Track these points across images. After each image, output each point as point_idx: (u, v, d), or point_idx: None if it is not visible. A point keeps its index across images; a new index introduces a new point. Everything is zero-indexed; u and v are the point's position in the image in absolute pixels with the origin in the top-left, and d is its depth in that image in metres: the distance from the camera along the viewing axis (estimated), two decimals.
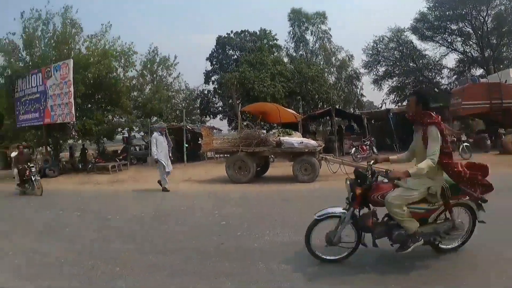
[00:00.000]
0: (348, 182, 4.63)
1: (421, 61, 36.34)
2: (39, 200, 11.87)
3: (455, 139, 16.08)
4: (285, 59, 36.35)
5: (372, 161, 4.83)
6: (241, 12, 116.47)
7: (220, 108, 37.29)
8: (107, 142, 27.77)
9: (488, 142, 18.04)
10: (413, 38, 36.06)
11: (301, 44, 37.68)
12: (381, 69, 37.95)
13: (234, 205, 8.95)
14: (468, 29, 33.55)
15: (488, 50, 33.69)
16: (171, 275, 4.69)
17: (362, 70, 38.25)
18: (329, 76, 36.81)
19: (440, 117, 4.43)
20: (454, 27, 34.10)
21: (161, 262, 5.15)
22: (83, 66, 19.33)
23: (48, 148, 21.57)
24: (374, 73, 38.04)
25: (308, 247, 4.70)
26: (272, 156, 15.31)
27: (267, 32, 36.89)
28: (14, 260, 5.60)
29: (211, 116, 37.43)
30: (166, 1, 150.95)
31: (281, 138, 13.00)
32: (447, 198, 4.40)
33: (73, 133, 22.09)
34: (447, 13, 32.95)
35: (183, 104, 33.39)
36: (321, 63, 36.95)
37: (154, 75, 29.84)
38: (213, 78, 37.28)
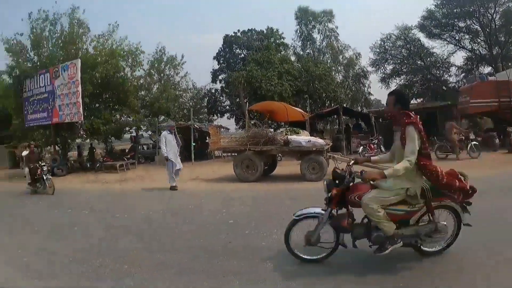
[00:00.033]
0: (325, 183, 4.66)
1: (428, 59, 36.00)
2: (47, 199, 11.92)
3: (464, 137, 15.98)
4: (292, 58, 36.22)
5: (352, 162, 4.79)
6: (241, 12, 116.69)
7: (227, 107, 37.26)
8: (115, 141, 27.80)
9: (497, 140, 17.88)
10: (421, 36, 35.78)
11: (308, 42, 37.59)
12: (389, 67, 37.70)
13: (242, 204, 8.94)
14: (476, 26, 33.20)
15: (496, 48, 33.35)
16: (178, 273, 4.70)
17: (369, 68, 38.09)
18: (337, 74, 36.67)
19: (418, 117, 4.36)
20: (462, 24, 33.74)
21: (169, 261, 5.16)
22: (91, 66, 19.40)
23: (57, 147, 21.67)
24: (382, 71, 37.79)
25: (288, 247, 4.76)
26: (280, 154, 15.27)
27: (274, 30, 36.78)
28: (23, 258, 5.63)
29: (219, 115, 37.39)
30: (166, 1, 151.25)
31: (289, 136, 12.97)
32: (428, 200, 4.33)
33: (81, 133, 22.15)
34: (455, 10, 32.64)
35: (191, 103, 33.39)
36: (329, 61, 36.83)
37: (162, 74, 29.93)
38: (220, 77, 37.29)
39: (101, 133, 20.69)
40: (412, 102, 34.07)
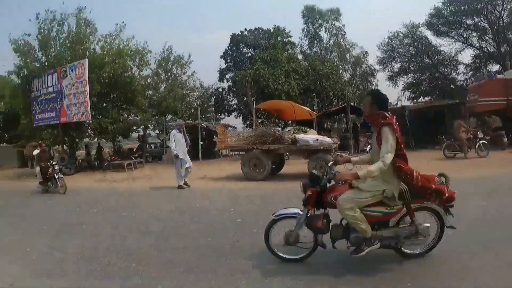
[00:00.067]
0: (301, 183, 4.72)
1: (436, 57, 35.70)
2: (56, 197, 11.97)
3: (472, 136, 15.88)
4: (299, 56, 36.15)
5: (331, 162, 4.85)
6: (241, 12, 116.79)
7: (234, 106, 37.18)
8: (123, 140, 27.89)
9: (505, 139, 17.77)
10: (428, 34, 35.48)
11: (315, 41, 37.54)
12: (396, 66, 37.43)
13: (250, 203, 8.93)
14: (484, 24, 32.88)
15: (504, 45, 33.00)
16: (186, 272, 4.70)
17: (377, 67, 37.95)
18: (344, 73, 36.59)
19: (394, 117, 4.33)
20: (469, 22, 33.42)
21: (177, 259, 5.17)
22: (98, 66, 19.48)
23: (65, 147, 21.80)
24: (389, 69, 37.57)
25: (268, 245, 4.83)
26: (287, 153, 15.26)
27: (280, 29, 36.70)
28: (31, 257, 5.66)
29: (226, 113, 37.39)
30: (166, 1, 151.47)
31: (296, 135, 12.96)
32: (406, 202, 4.29)
33: (89, 132, 22.24)
34: (462, 8, 32.34)
35: (198, 102, 33.47)
36: (336, 60, 36.79)
37: (169, 74, 29.99)
38: (227, 76, 37.26)
39: (109, 132, 20.75)
40: (419, 100, 33.97)
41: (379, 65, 37.59)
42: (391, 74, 37.43)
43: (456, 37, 34.61)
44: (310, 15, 37.05)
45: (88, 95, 18.09)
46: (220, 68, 37.53)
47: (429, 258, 4.57)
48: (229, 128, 26.36)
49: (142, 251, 5.59)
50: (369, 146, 18.30)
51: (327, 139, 13.09)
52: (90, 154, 25.19)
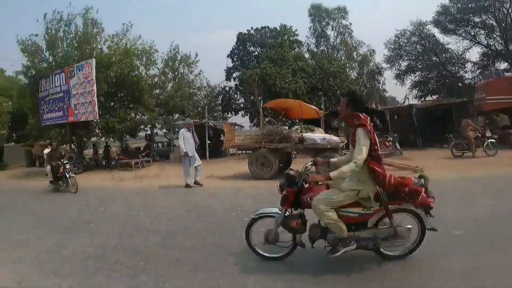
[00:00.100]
0: (278, 183, 4.77)
1: (444, 55, 35.42)
2: (63, 196, 12.04)
3: (480, 135, 15.76)
4: (306, 55, 36.05)
5: (310, 163, 4.85)
6: (241, 12, 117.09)
7: (241, 105, 37.17)
8: (130, 139, 28.03)
9: None
10: (435, 32, 35.16)
11: (322, 39, 37.42)
12: (404, 64, 37.17)
13: (257, 202, 8.88)
14: (492, 21, 32.52)
15: None
16: (194, 271, 4.71)
17: (384, 65, 37.65)
18: (351, 71, 36.40)
19: (369, 118, 4.33)
20: (477, 19, 33.07)
21: (184, 258, 5.18)
22: (106, 65, 19.61)
23: (72, 146, 21.92)
24: (397, 67, 37.33)
25: (248, 244, 4.96)
26: (295, 152, 15.23)
27: (287, 28, 36.61)
28: (40, 255, 5.69)
29: (233, 112, 37.39)
30: (166, 1, 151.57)
31: (304, 134, 12.94)
32: (384, 203, 4.27)
33: (97, 131, 22.36)
34: (470, 5, 32.03)
35: (205, 101, 33.51)
36: (343, 58, 36.61)
37: (176, 73, 30.04)
38: (234, 75, 37.22)
39: (116, 131, 20.87)
40: (427, 98, 33.75)
41: (386, 63, 37.41)
42: (398, 72, 37.23)
43: (463, 34, 34.30)
44: (317, 13, 36.90)
45: (96, 95, 18.20)
46: (227, 67, 37.54)
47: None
48: (236, 127, 26.36)
49: (149, 250, 5.61)
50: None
51: (335, 138, 13.06)
52: (98, 153, 25.35)
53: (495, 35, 33.37)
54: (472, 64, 35.43)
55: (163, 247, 5.72)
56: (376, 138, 4.26)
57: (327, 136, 13.21)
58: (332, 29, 37.51)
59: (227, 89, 37.33)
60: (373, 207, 4.30)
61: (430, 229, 4.41)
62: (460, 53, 35.12)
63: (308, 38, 38.07)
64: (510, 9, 31.00)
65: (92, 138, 24.62)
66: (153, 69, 24.29)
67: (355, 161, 4.06)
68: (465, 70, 36.13)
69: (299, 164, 15.00)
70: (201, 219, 7.51)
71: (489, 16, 32.29)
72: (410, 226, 4.44)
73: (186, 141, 12.03)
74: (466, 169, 12.55)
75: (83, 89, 18.57)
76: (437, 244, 4.85)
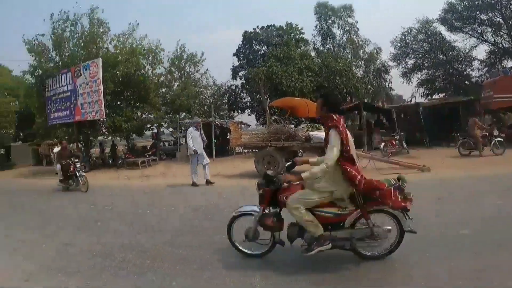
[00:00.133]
0: (256, 183, 4.88)
1: (450, 53, 35.08)
2: (71, 195, 12.10)
3: (487, 134, 15.67)
4: (312, 53, 35.94)
5: (288, 163, 5.01)
6: (241, 12, 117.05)
7: (248, 103, 37.01)
8: (137, 138, 28.10)
9: None
10: (442, 29, 34.77)
11: (328, 37, 37.29)
12: (410, 62, 36.81)
13: None
14: (499, 18, 32.14)
15: None
16: (200, 269, 4.72)
17: (390, 63, 37.38)
18: (357, 69, 36.20)
19: (342, 119, 4.35)
20: (484, 17, 32.70)
21: (191, 256, 5.20)
22: (112, 65, 19.69)
23: (79, 145, 22.00)
24: (403, 66, 36.98)
25: (230, 241, 5.08)
26: (301, 150, 15.22)
27: (293, 26, 36.51)
28: (47, 253, 5.73)
29: (239, 111, 37.19)
30: (166, 1, 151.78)
31: (310, 132, 12.96)
32: (359, 204, 4.29)
33: (103, 130, 22.47)
34: (476, 2, 31.72)
35: (211, 100, 33.52)
36: (349, 56, 36.45)
37: (182, 72, 30.06)
38: (240, 74, 37.13)
39: (122, 130, 20.93)
40: (434, 97, 33.57)
41: (393, 62, 37.08)
42: (405, 70, 36.94)
43: (470, 32, 33.98)
44: (323, 11, 36.79)
45: (102, 94, 18.26)
46: (233, 66, 37.44)
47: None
48: (243, 125, 26.37)
49: (156, 248, 5.63)
50: (383, 143, 18.21)
51: None
52: (105, 152, 25.41)
53: (502, 33, 33.06)
54: (479, 62, 35.11)
55: (170, 245, 5.74)
56: (349, 139, 4.30)
57: None
58: (338, 27, 37.36)
59: (234, 87, 37.29)
60: (348, 207, 4.34)
61: (409, 231, 4.41)
62: (467, 51, 34.81)
63: (314, 36, 37.94)
64: None
65: (98, 137, 24.72)
66: (159, 68, 24.38)
67: (325, 161, 4.13)
68: (472, 68, 35.80)
69: None
70: (208, 218, 7.52)
71: (496, 13, 31.99)
72: (390, 228, 4.46)
73: (194, 140, 12.07)
74: (474, 168, 12.49)
75: (90, 89, 18.64)
76: (444, 244, 4.83)
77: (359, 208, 4.32)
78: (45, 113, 21.72)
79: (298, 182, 4.46)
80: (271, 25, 36.73)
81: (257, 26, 36.80)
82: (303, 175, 4.17)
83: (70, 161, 12.81)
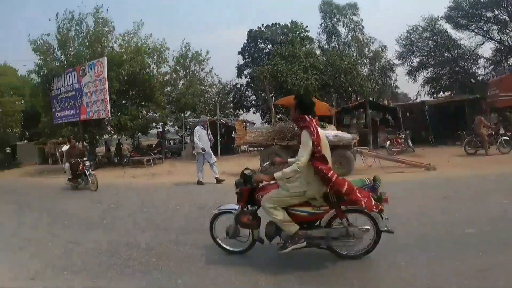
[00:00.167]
0: (234, 182, 5.14)
1: (456, 51, 34.82)
2: (79, 194, 12.15)
3: (493, 132, 15.59)
4: (317, 52, 35.82)
5: (267, 163, 5.28)
6: (241, 12, 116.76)
7: (253, 102, 36.98)
8: (142, 136, 28.22)
9: None
10: (448, 27, 34.52)
11: (333, 36, 37.19)
12: (415, 60, 36.57)
13: None
14: (504, 16, 31.86)
15: None
16: (206, 267, 4.75)
17: (396, 61, 37.18)
18: (362, 67, 36.10)
19: (314, 121, 4.43)
20: (489, 14, 32.44)
21: (196, 254, 5.21)
22: (117, 64, 19.75)
23: (85, 143, 22.07)
24: (408, 64, 36.73)
25: (212, 237, 5.24)
26: None
27: (298, 24, 36.44)
28: (53, 251, 5.76)
29: (244, 109, 37.14)
30: (166, 1, 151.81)
31: None
32: (332, 203, 4.33)
33: (109, 129, 22.56)
34: (482, 0, 31.77)
35: (216, 98, 33.54)
36: (354, 54, 36.32)
37: (187, 70, 30.11)
38: (245, 72, 37.10)
39: (128, 129, 21.01)
40: (439, 95, 33.40)
41: (398, 60, 36.81)
42: (410, 68, 36.70)
43: (476, 30, 33.72)
44: (328, 10, 36.69)
45: (108, 93, 18.30)
46: (238, 64, 37.39)
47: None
48: (248, 124, 26.38)
49: (162, 246, 5.66)
50: (389, 142, 18.16)
51: (346, 135, 13.01)
52: (110, 151, 25.49)
53: (508, 30, 32.79)
54: (485, 60, 34.83)
55: (176, 243, 5.76)
56: (320, 139, 4.33)
57: (339, 133, 13.15)
58: (343, 26, 37.24)
59: (239, 86, 37.26)
60: (322, 207, 4.39)
61: (385, 231, 4.44)
62: (473, 49, 34.56)
63: (319, 34, 37.85)
64: None
65: (104, 136, 24.77)
66: (164, 66, 24.47)
67: (297, 162, 4.21)
68: (477, 66, 35.51)
69: None
70: None
71: (502, 11, 31.76)
72: (368, 227, 4.48)
73: (201, 138, 12.11)
74: (479, 166, 12.43)
75: (95, 87, 18.69)
76: (450, 243, 4.82)
77: (333, 208, 4.37)
78: (50, 112, 21.82)
79: (272, 182, 4.61)
80: (276, 23, 36.65)
81: (262, 25, 36.74)
82: (275, 175, 4.31)
83: (79, 160, 12.75)
